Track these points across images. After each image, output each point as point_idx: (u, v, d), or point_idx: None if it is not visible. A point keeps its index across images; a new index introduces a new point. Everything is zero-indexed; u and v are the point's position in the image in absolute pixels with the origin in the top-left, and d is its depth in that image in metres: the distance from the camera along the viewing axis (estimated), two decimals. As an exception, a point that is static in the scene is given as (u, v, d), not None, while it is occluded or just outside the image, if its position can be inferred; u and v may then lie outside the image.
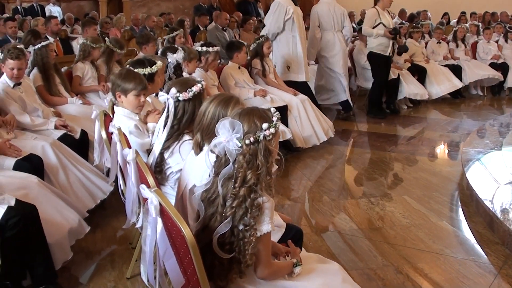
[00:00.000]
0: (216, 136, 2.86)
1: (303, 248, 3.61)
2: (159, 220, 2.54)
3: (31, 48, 6.69)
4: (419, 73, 11.64)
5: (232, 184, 2.65)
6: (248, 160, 2.63)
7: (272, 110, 2.79)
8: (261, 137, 2.63)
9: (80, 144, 5.95)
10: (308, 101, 8.31)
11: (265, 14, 16.76)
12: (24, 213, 3.94)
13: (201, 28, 13.33)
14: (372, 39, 9.91)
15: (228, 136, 2.64)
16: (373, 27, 9.79)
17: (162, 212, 2.53)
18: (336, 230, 5.36)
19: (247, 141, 2.62)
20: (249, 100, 7.65)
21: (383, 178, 6.98)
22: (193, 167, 3.23)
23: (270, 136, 2.66)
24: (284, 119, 7.76)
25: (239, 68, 8.06)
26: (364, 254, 4.84)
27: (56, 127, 5.91)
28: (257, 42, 8.37)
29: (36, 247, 4.04)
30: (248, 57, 8.47)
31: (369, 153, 8.13)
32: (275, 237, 3.41)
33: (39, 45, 6.64)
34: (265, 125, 2.64)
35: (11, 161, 4.92)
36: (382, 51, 9.90)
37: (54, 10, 19.80)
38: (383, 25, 9.73)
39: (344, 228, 5.38)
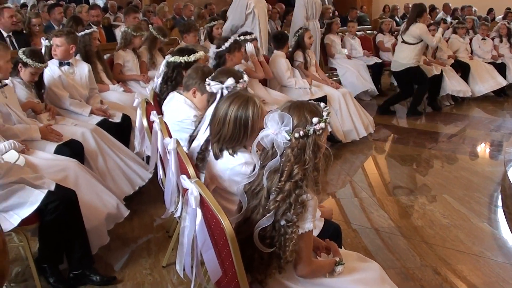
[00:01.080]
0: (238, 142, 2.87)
1: (342, 246, 3.59)
2: (199, 211, 2.52)
3: (74, 35, 6.74)
4: (463, 70, 11.46)
5: (277, 178, 2.61)
6: (296, 154, 2.58)
7: (322, 105, 2.72)
8: (311, 131, 2.58)
9: (121, 129, 5.98)
10: (350, 94, 8.26)
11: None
12: (64, 198, 3.98)
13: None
14: (408, 54, 9.69)
15: (277, 128, 2.58)
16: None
17: (202, 203, 2.50)
18: (374, 228, 5.29)
19: (296, 135, 2.57)
20: (290, 90, 7.63)
21: (423, 176, 6.88)
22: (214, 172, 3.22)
23: (320, 131, 2.60)
24: (323, 112, 7.69)
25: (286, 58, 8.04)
26: (402, 253, 4.77)
27: (92, 112, 5.97)
28: (297, 34, 8.30)
29: (74, 232, 4.08)
30: (290, 49, 8.39)
31: (410, 150, 8.00)
32: (313, 233, 3.37)
33: (82, 33, 6.68)
34: (315, 119, 2.59)
35: (52, 146, 4.98)
36: (418, 61, 9.82)
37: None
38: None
39: (383, 226, 5.31)
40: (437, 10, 16.81)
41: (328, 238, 3.26)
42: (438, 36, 9.75)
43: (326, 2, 18.03)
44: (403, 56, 9.70)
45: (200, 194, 2.49)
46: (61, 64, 5.95)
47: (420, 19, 9.54)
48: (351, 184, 6.54)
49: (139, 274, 4.40)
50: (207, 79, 3.98)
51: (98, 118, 5.94)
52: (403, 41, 9.71)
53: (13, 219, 3.81)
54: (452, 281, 4.32)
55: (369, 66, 11.32)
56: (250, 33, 7.50)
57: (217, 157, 3.22)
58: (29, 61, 5.22)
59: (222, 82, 3.82)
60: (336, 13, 15.78)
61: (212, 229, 2.51)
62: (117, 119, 6.12)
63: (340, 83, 10.38)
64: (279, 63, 7.88)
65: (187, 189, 2.56)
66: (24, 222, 3.84)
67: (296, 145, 2.57)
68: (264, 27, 9.42)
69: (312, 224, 2.61)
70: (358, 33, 12.41)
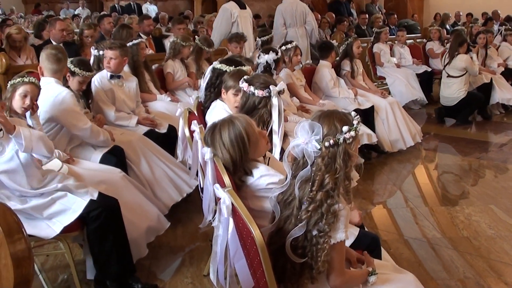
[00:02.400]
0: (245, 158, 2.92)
1: (382, 256, 3.57)
2: (231, 221, 2.54)
3: (122, 45, 6.87)
4: (513, 78, 11.23)
5: (309, 187, 2.61)
6: (326, 163, 2.58)
7: (353, 113, 2.72)
8: (341, 140, 2.58)
9: (167, 139, 6.04)
10: (397, 104, 8.21)
11: (357, 15, 16.72)
12: (106, 206, 4.06)
13: (293, 29, 13.31)
14: (457, 87, 9.57)
15: (307, 138, 2.59)
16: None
17: (234, 212, 2.53)
18: (419, 238, 5.24)
19: (326, 144, 2.57)
20: (335, 100, 7.63)
21: (470, 186, 6.77)
22: None
23: (350, 140, 2.60)
24: (371, 122, 7.68)
25: (331, 67, 8.03)
26: (446, 263, 4.71)
27: (139, 122, 6.05)
28: (346, 43, 8.29)
29: (116, 239, 4.14)
30: (337, 58, 8.37)
31: (457, 159, 7.90)
32: (347, 243, 3.36)
33: (130, 43, 6.79)
34: (345, 128, 2.59)
35: (97, 155, 5.08)
36: (467, 89, 9.70)
37: (150, 8, 20.24)
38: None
39: (427, 236, 5.25)
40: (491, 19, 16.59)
41: (366, 249, 3.25)
42: (476, 61, 9.65)
43: (377, 10, 17.97)
44: (452, 91, 9.63)
45: (232, 204, 2.52)
46: (111, 77, 6.06)
47: (461, 49, 9.47)
48: (397, 194, 6.50)
49: (180, 282, 4.45)
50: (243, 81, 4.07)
51: (145, 129, 6.02)
52: (448, 75, 9.65)
53: (56, 226, 3.90)
54: (496, 294, 4.25)
55: (418, 75, 11.20)
56: (291, 41, 7.55)
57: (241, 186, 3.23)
58: (77, 70, 5.33)
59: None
60: (386, 21, 15.71)
61: (244, 239, 2.53)
62: (163, 129, 6.19)
63: (389, 92, 10.35)
64: (323, 73, 7.89)
65: (220, 198, 2.59)
66: (67, 229, 3.93)
67: (327, 154, 2.57)
68: (249, 35, 9.64)
69: (344, 234, 2.61)
70: (408, 41, 12.29)
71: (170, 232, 5.17)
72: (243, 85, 4.03)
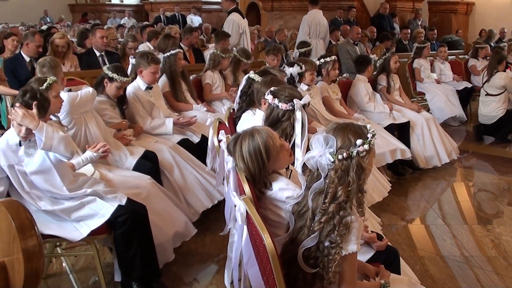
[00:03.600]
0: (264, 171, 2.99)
1: (403, 270, 3.58)
2: (245, 228, 2.60)
3: (161, 55, 6.99)
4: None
5: (322, 199, 2.66)
6: (339, 176, 2.63)
7: (368, 126, 2.76)
8: (354, 153, 2.62)
9: (200, 149, 6.12)
10: (433, 120, 8.16)
11: (400, 29, 16.67)
12: (133, 212, 4.17)
13: (333, 42, 13.36)
14: (496, 105, 9.47)
15: (321, 150, 2.64)
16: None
17: (248, 220, 2.58)
18: (445, 256, 5.21)
19: (339, 156, 2.62)
20: (370, 114, 7.63)
21: (505, 205, 6.69)
22: None
23: (364, 153, 2.64)
24: (406, 137, 7.66)
25: (368, 82, 8.04)
26: (470, 282, 4.69)
27: (174, 123, 6.17)
28: (383, 57, 8.28)
29: (142, 245, 4.24)
30: (374, 72, 8.38)
31: (494, 178, 7.80)
32: (365, 257, 3.38)
33: (168, 53, 6.93)
34: (359, 141, 2.63)
35: (132, 161, 5.20)
36: (506, 107, 9.59)
37: (195, 19, 20.52)
38: None
39: (454, 254, 5.23)
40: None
41: (384, 262, 3.27)
42: None
43: (419, 26, 17.88)
44: (491, 109, 9.53)
45: (247, 211, 2.57)
46: (147, 88, 6.21)
47: (500, 66, 9.41)
48: (428, 211, 6.45)
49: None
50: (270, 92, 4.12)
51: (178, 138, 6.13)
52: (487, 94, 9.56)
53: (83, 229, 4.04)
54: (520, 314, 4.22)
55: (458, 91, 11.09)
56: (330, 55, 7.60)
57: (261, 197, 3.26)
58: (114, 75, 5.50)
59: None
60: (427, 37, 15.63)
61: (257, 246, 2.59)
62: (196, 138, 6.30)
63: (428, 108, 10.30)
64: (358, 87, 7.91)
65: (236, 205, 2.65)
66: (94, 233, 4.05)
67: (340, 167, 2.61)
68: (249, 43, 10.74)
69: (356, 246, 2.64)
70: (450, 57, 12.22)
71: (199, 240, 5.27)
72: (268, 98, 4.09)
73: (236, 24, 10.44)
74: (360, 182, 2.66)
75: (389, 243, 3.83)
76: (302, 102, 3.99)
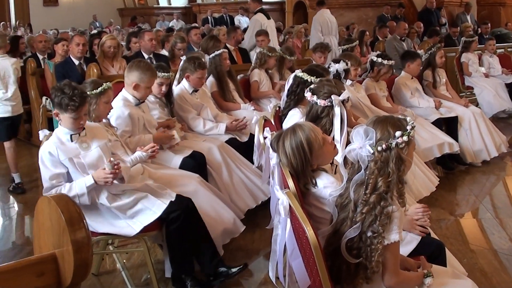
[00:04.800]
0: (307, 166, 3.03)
1: (450, 263, 3.60)
2: (288, 221, 2.67)
3: (206, 57, 7.10)
4: None
5: (363, 190, 2.72)
6: (379, 167, 2.69)
7: (408, 119, 2.80)
8: (393, 145, 2.68)
9: (248, 148, 6.20)
10: (481, 113, 8.10)
11: (448, 23, 16.54)
12: (184, 207, 4.31)
13: (380, 39, 13.32)
14: None
15: (362, 142, 2.70)
16: None
17: (291, 213, 2.65)
18: (494, 249, 5.20)
19: (379, 148, 2.68)
20: (418, 110, 7.62)
21: (555, 199, 6.64)
22: None
23: (403, 144, 2.69)
24: (453, 131, 7.64)
25: (411, 78, 8.00)
26: (518, 275, 4.68)
27: (227, 129, 6.25)
28: (429, 52, 8.25)
29: (199, 236, 4.41)
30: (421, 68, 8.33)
31: (545, 171, 7.72)
32: (407, 249, 3.42)
33: (213, 54, 7.03)
34: (398, 133, 2.69)
35: (178, 159, 5.32)
36: None
37: (242, 20, 20.61)
38: None
39: (503, 248, 5.20)
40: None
41: (429, 255, 3.31)
42: None
43: (468, 19, 17.70)
44: None
45: (290, 205, 2.65)
46: (193, 91, 6.31)
47: None
48: (477, 205, 6.42)
49: (254, 284, 4.63)
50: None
51: (227, 137, 6.23)
52: None
53: (136, 226, 4.18)
54: None
55: (507, 85, 10.96)
56: (389, 58, 7.62)
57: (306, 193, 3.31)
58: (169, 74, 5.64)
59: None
60: (479, 30, 15.47)
61: (300, 238, 2.66)
62: (245, 137, 6.39)
63: (476, 102, 10.21)
64: (397, 85, 7.94)
65: (279, 199, 2.72)
66: (145, 229, 4.20)
67: (379, 158, 2.67)
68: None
69: (398, 235, 2.70)
70: (498, 50, 12.07)
71: (248, 236, 5.37)
72: (307, 95, 4.17)
73: (259, 24, 11.06)
74: (400, 173, 2.71)
75: (435, 236, 3.87)
76: (340, 98, 4.04)
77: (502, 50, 12.44)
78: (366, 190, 2.70)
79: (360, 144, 2.70)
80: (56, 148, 4.08)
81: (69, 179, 4.13)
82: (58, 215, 2.31)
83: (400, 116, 2.84)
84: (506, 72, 11.27)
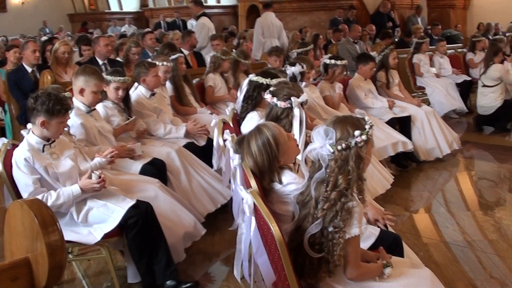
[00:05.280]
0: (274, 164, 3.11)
1: (406, 255, 3.72)
2: (253, 219, 2.75)
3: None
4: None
5: (324, 188, 2.81)
6: (339, 165, 2.78)
7: (366, 118, 2.91)
8: (353, 144, 2.78)
9: (206, 152, 6.25)
10: (433, 113, 8.30)
11: (399, 25, 16.86)
12: (142, 213, 4.33)
13: (333, 42, 13.51)
14: (493, 96, 9.65)
15: (322, 142, 2.80)
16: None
17: (256, 211, 2.73)
18: (448, 241, 5.36)
19: (339, 147, 2.78)
20: (372, 110, 7.77)
21: (503, 192, 6.83)
22: None
23: (362, 143, 2.80)
24: (407, 131, 7.82)
25: (365, 79, 8.15)
26: (472, 265, 4.83)
27: (188, 131, 6.28)
28: (382, 54, 8.43)
29: (156, 243, 4.41)
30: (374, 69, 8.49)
31: (494, 166, 7.95)
32: (367, 243, 3.53)
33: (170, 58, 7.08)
34: (357, 132, 2.79)
35: (138, 166, 5.34)
36: (504, 97, 9.73)
37: (195, 24, 20.59)
38: None
39: (456, 240, 5.37)
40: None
41: (387, 248, 3.42)
42: (511, 70, 9.76)
43: (419, 22, 18.04)
44: (489, 100, 9.69)
45: (254, 203, 2.73)
46: (151, 95, 6.33)
47: (496, 58, 9.55)
48: (431, 200, 6.61)
49: (217, 285, 4.69)
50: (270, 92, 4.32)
51: (184, 141, 6.24)
52: (484, 85, 9.72)
53: (97, 233, 4.22)
54: (520, 294, 4.35)
55: (458, 84, 11.26)
56: (341, 58, 7.76)
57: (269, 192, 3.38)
58: (108, 77, 5.64)
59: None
60: (430, 32, 15.79)
61: (265, 235, 2.74)
62: (202, 142, 6.43)
63: (428, 102, 10.44)
64: (351, 87, 8.08)
65: (243, 199, 2.80)
66: (106, 236, 4.23)
67: (339, 157, 2.77)
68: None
69: (358, 229, 2.80)
70: (449, 51, 12.36)
71: (208, 239, 5.42)
72: (268, 97, 4.27)
73: (205, 28, 11.65)
74: (359, 171, 2.82)
75: (391, 228, 4.00)
76: (299, 100, 4.15)
77: (453, 51, 12.78)
78: (327, 188, 2.79)
79: (321, 144, 2.79)
80: (31, 156, 4.10)
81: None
82: (31, 219, 2.35)
83: (358, 116, 2.94)
84: (456, 72, 11.59)
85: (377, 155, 6.79)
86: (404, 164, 7.73)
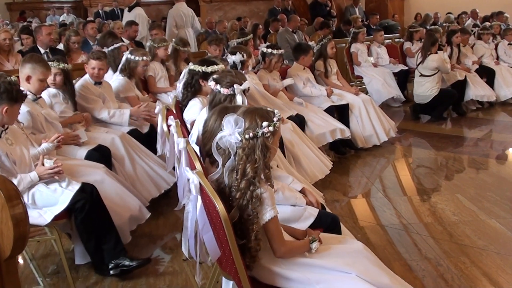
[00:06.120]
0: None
1: (342, 234, 3.90)
2: (199, 198, 2.88)
3: (105, 49, 7.18)
4: (488, 75, 11.56)
5: (235, 175, 2.99)
6: (247, 153, 2.95)
7: (276, 111, 3.09)
8: (260, 134, 2.95)
9: (149, 139, 6.34)
10: (371, 101, 8.55)
11: (336, 16, 17.14)
12: (88, 195, 4.47)
13: (272, 32, 13.68)
14: (430, 85, 9.95)
15: (231, 130, 2.97)
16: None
17: (202, 190, 2.86)
18: (385, 224, 5.59)
19: (246, 136, 2.95)
20: (311, 98, 7.96)
21: (439, 178, 7.14)
22: None
23: (268, 134, 2.97)
24: (345, 118, 8.04)
25: (303, 68, 8.32)
26: (408, 247, 5.07)
27: (132, 114, 6.36)
28: (320, 43, 8.61)
29: (104, 224, 4.56)
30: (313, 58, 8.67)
31: (431, 154, 8.23)
32: (306, 224, 3.70)
33: (112, 47, 7.14)
34: (265, 123, 2.96)
35: (83, 152, 5.41)
36: (439, 86, 10.08)
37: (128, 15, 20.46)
38: None
39: (393, 223, 5.61)
40: (464, 16, 17.08)
41: (326, 228, 3.61)
42: (447, 59, 10.15)
43: (357, 12, 18.37)
44: (425, 89, 10.00)
45: (200, 183, 2.85)
46: (96, 83, 6.38)
47: (433, 48, 9.85)
48: (368, 186, 6.86)
49: (162, 266, 4.82)
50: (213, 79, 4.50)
51: (128, 128, 6.32)
52: (422, 75, 10.03)
53: (47, 216, 4.32)
54: (453, 271, 4.59)
55: (395, 74, 11.57)
56: (278, 48, 7.90)
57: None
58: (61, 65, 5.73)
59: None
60: (368, 22, 16.11)
61: (211, 213, 2.86)
62: (145, 128, 6.51)
63: (366, 91, 10.70)
64: (291, 75, 8.22)
65: (189, 179, 2.92)
66: (55, 218, 4.33)
67: (247, 145, 2.95)
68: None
69: (273, 211, 2.97)
70: (386, 41, 12.65)
71: (153, 223, 5.57)
72: (211, 83, 4.42)
73: (143, 17, 11.97)
74: (266, 160, 2.99)
75: (329, 210, 4.18)
76: (242, 87, 4.31)
77: (390, 40, 13.07)
78: (237, 176, 2.96)
79: (230, 132, 2.96)
80: None
81: None
82: (-4, 193, 2.49)
83: (269, 109, 3.11)
84: (393, 61, 11.89)
85: (316, 141, 6.99)
86: (343, 151, 7.97)
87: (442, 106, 10.19)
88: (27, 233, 2.55)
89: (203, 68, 5.39)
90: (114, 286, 4.52)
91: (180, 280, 4.61)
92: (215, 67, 5.39)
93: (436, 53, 9.88)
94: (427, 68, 9.87)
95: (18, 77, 5.38)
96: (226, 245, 2.85)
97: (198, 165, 3.26)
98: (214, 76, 4.52)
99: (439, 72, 9.92)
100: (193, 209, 2.94)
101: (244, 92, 4.37)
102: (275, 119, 3.01)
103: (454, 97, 10.34)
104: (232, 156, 3.00)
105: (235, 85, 4.33)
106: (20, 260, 4.94)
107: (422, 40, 11.91)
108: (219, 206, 2.73)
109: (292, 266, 3.06)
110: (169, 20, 12.83)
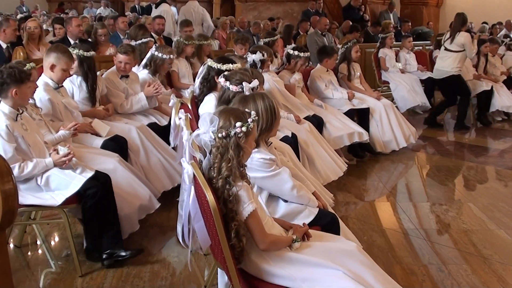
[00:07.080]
0: (272, 127, 3.32)
1: (344, 235, 3.96)
2: (192, 188, 2.98)
3: (133, 43, 7.33)
4: (516, 86, 11.48)
5: (212, 173, 3.08)
6: (221, 152, 3.05)
7: (252, 113, 3.18)
8: (232, 133, 3.04)
9: (166, 131, 6.45)
10: (392, 106, 8.56)
11: (370, 20, 17.12)
12: (101, 183, 4.59)
13: (301, 33, 13.71)
14: (451, 62, 9.99)
15: (206, 128, 3.06)
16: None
17: (195, 180, 2.96)
18: (393, 228, 5.64)
19: (219, 135, 3.04)
20: (331, 101, 8.02)
21: (454, 186, 7.17)
22: None
23: (241, 134, 3.06)
24: (365, 122, 8.08)
25: (327, 70, 8.35)
26: (413, 251, 5.11)
27: (145, 95, 6.47)
28: (345, 46, 8.65)
29: (109, 215, 4.68)
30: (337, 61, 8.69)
31: (449, 162, 8.22)
32: (306, 221, 3.76)
33: (139, 41, 7.28)
34: (238, 124, 3.05)
35: (99, 141, 5.55)
36: (460, 70, 10.08)
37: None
38: None
39: (401, 227, 5.65)
40: (498, 27, 16.96)
41: (324, 226, 3.68)
42: (475, 46, 10.16)
43: (391, 17, 18.35)
44: (446, 64, 10.04)
45: (194, 174, 2.95)
46: (122, 77, 6.53)
47: (463, 28, 9.88)
48: (382, 191, 6.89)
49: (168, 257, 4.94)
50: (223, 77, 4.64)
51: (147, 121, 6.45)
52: (446, 49, 10.05)
53: (58, 198, 4.47)
54: (454, 277, 4.60)
55: (422, 81, 11.51)
56: (305, 50, 7.91)
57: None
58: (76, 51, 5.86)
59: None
60: (400, 28, 16.07)
61: (202, 203, 2.97)
62: (164, 121, 6.63)
63: (392, 97, 10.71)
64: (312, 78, 8.29)
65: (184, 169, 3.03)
66: (66, 202, 4.47)
67: (220, 144, 3.04)
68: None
69: (251, 205, 3.05)
70: (416, 48, 12.62)
71: (164, 215, 5.69)
72: (221, 80, 4.53)
73: (169, 15, 11.90)
74: (239, 159, 3.08)
75: (331, 210, 4.25)
76: (250, 85, 4.40)
77: (420, 47, 13.03)
78: (214, 173, 3.06)
79: (205, 130, 3.05)
80: (10, 123, 4.36)
81: None
82: (-12, 169, 2.65)
83: (246, 110, 3.22)
84: (421, 68, 11.82)
85: (332, 143, 7.04)
86: (361, 155, 8.01)
87: (460, 113, 10.31)
88: (16, 207, 2.71)
89: (219, 66, 5.50)
90: (119, 272, 4.64)
91: (184, 269, 4.71)
92: (230, 66, 5.49)
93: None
94: (454, 43, 9.90)
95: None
96: (215, 234, 2.95)
97: (198, 155, 3.36)
98: (225, 73, 4.62)
99: (463, 53, 9.92)
100: (186, 198, 3.04)
101: (252, 90, 4.46)
102: (249, 120, 3.10)
103: (468, 93, 10.33)
104: (207, 154, 3.10)
105: (244, 83, 4.42)
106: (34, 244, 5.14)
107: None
108: (210, 197, 2.84)
109: (280, 263, 3.13)
110: (180, 18, 12.74)
